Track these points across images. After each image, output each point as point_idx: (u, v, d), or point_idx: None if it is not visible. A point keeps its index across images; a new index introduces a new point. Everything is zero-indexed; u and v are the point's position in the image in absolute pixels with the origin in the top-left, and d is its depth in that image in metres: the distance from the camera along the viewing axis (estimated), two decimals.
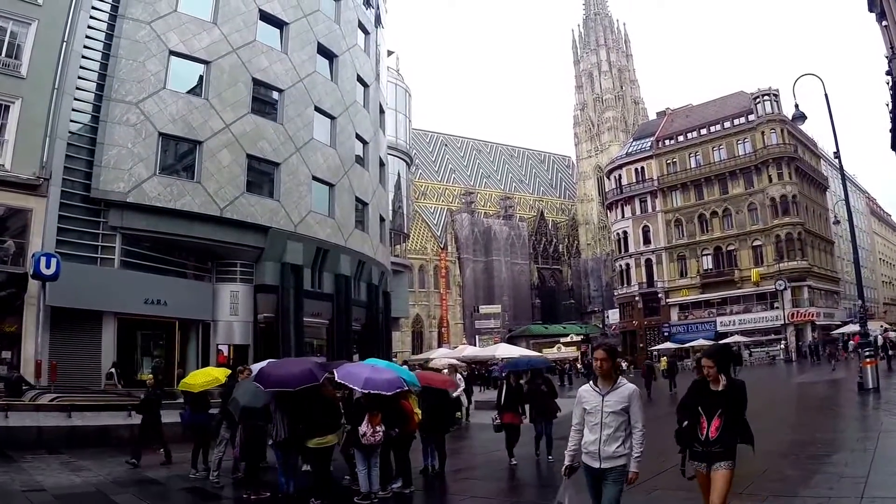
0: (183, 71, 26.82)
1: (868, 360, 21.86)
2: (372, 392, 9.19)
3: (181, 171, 26.41)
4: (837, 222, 62.76)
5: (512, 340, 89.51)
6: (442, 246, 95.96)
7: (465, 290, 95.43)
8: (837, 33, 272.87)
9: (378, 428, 9.28)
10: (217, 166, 26.64)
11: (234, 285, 28.31)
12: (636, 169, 74.64)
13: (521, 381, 14.05)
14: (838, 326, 60.88)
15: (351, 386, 9.37)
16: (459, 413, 13.11)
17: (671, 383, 30.45)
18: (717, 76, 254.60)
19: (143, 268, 25.12)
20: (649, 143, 74.88)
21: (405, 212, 58.39)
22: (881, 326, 60.39)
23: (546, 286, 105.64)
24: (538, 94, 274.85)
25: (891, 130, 30.61)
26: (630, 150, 77.80)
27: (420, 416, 10.65)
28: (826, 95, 23.34)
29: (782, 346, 60.05)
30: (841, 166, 26.39)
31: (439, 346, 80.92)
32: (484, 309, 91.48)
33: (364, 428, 9.23)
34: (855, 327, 43.24)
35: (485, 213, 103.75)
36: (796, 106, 24.31)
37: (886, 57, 26.41)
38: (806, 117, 24.61)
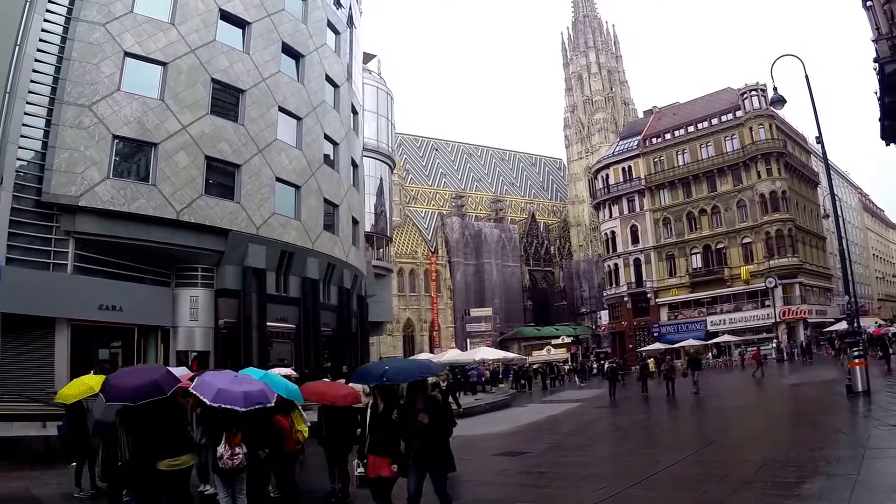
0: (139, 72, 26.12)
1: (857, 360, 20.00)
2: (224, 406, 7.95)
3: (136, 173, 25.69)
4: (827, 216, 61.98)
5: (504, 343, 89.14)
6: (432, 250, 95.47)
7: (455, 294, 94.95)
8: (829, 30, 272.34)
9: (237, 449, 8.03)
10: (173, 168, 25.98)
11: (195, 290, 27.64)
12: (623, 168, 73.99)
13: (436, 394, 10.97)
14: (832, 323, 59.97)
15: (201, 398, 8.25)
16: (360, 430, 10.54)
17: (643, 386, 29.53)
18: (708, 74, 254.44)
19: (98, 273, 24.40)
20: (636, 142, 74.27)
21: (388, 215, 57.58)
22: (875, 322, 59.59)
23: (538, 288, 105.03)
24: (529, 97, 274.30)
25: (880, 119, 29.61)
26: (617, 150, 77.21)
27: (305, 435, 9.64)
28: (807, 77, 22.50)
29: (773, 344, 59.07)
30: (824, 151, 25.27)
31: (431, 350, 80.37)
32: (475, 312, 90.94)
33: (221, 449, 8.02)
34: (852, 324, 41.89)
35: (475, 216, 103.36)
36: (775, 89, 23.49)
37: (872, 40, 25.50)
38: (785, 101, 23.74)
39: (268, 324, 29.00)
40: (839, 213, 64.89)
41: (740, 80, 66.24)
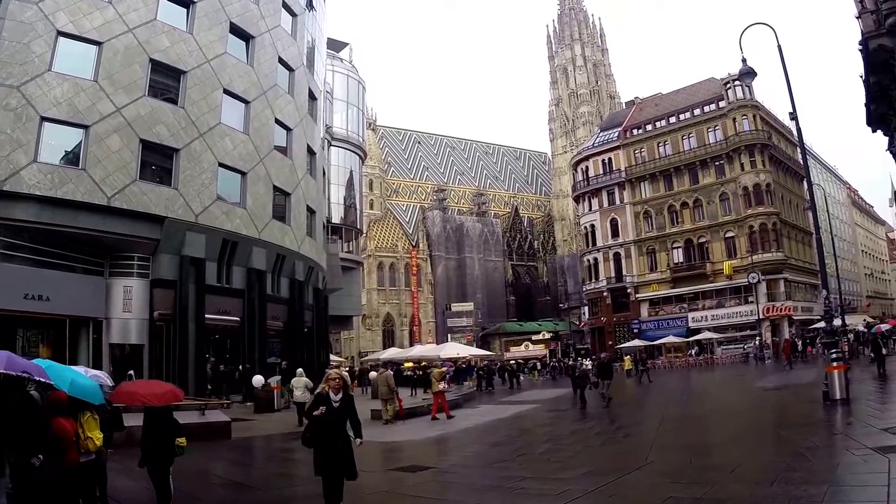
0: (72, 52, 24.76)
1: (835, 363, 17.53)
2: None
3: (65, 157, 24.31)
4: (808, 208, 60.49)
5: (485, 338, 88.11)
6: (413, 243, 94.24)
7: (436, 288, 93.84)
8: (821, 25, 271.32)
9: None
10: (105, 152, 24.61)
11: (129, 280, 26.25)
12: (603, 160, 72.28)
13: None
14: (818, 321, 58.33)
15: None
16: (182, 439, 8.81)
17: (603, 386, 26.61)
18: (695, 66, 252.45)
19: (24, 260, 23.12)
20: (616, 134, 72.75)
21: (358, 208, 56.03)
22: (864, 320, 58.28)
23: (521, 283, 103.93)
24: (514, 90, 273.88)
25: (866, 104, 28.16)
26: (597, 141, 75.60)
27: (97, 442, 8.00)
28: (779, 47, 20.89)
29: (756, 342, 57.55)
30: (798, 129, 23.04)
31: (411, 344, 79.23)
32: (456, 307, 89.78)
33: None
34: (836, 321, 40.43)
35: (458, 209, 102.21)
36: (744, 61, 22.02)
37: (856, 17, 24.08)
38: (755, 73, 22.26)
39: (208, 316, 27.66)
40: (819, 204, 63.35)
41: (725, 71, 64.84)
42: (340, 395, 8.36)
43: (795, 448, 11.55)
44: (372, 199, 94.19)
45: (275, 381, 25.37)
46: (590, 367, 30.61)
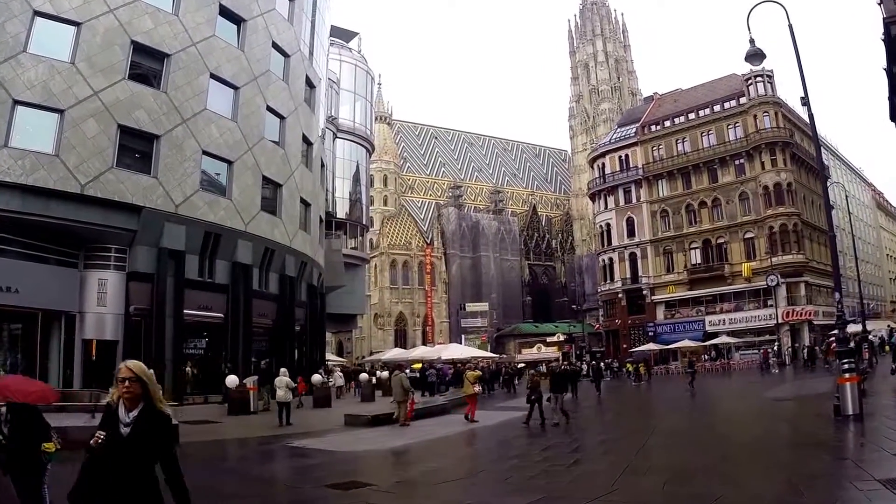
0: (49, 33, 23.75)
1: (847, 375, 15.39)
2: None
3: (38, 142, 23.17)
4: (832, 208, 58.11)
5: (500, 339, 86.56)
6: (428, 241, 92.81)
7: (451, 287, 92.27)
8: (850, 28, 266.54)
9: None
10: (80, 137, 23.57)
11: (105, 272, 25.15)
12: (620, 157, 70.15)
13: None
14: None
15: None
16: (50, 444, 7.03)
17: (557, 401, 23.89)
18: (718, 63, 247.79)
19: None
20: (634, 130, 70.70)
21: (364, 203, 54.61)
22: (888, 326, 56.18)
23: (538, 283, 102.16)
24: (534, 86, 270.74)
25: (889, 98, 26.54)
26: (614, 137, 73.58)
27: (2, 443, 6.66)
28: (790, 26, 19.22)
29: (775, 347, 55.40)
30: (811, 115, 21.08)
31: (423, 344, 77.87)
32: (471, 307, 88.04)
33: None
34: (856, 327, 38.79)
35: (474, 207, 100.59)
36: (751, 41, 20.39)
37: (878, 3, 22.58)
38: (764, 56, 20.57)
39: (187, 311, 26.56)
40: (842, 205, 60.99)
41: (746, 67, 62.43)
42: (138, 411, 4.07)
43: (791, 475, 9.86)
44: (386, 196, 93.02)
45: (251, 381, 24.12)
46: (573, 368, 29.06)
